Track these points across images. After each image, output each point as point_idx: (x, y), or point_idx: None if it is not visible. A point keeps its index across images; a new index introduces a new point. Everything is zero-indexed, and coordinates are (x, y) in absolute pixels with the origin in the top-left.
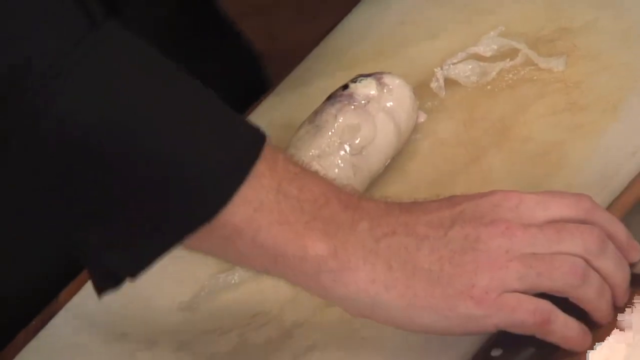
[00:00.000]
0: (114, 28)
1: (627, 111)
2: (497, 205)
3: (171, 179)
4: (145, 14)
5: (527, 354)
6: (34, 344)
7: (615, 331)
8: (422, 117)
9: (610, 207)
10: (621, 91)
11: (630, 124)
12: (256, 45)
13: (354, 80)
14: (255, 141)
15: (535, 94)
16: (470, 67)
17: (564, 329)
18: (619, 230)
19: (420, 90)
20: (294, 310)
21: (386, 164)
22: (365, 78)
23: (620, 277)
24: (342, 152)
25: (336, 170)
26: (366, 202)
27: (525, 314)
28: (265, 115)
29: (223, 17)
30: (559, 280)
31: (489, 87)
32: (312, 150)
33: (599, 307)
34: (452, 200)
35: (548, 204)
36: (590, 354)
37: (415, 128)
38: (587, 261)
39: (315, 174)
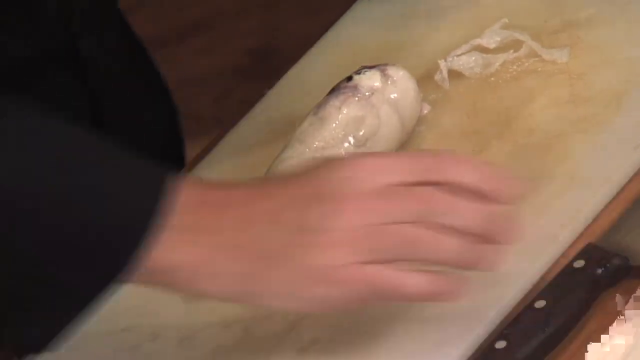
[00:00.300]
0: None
1: (631, 104)
2: (349, 178)
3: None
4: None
5: (531, 346)
6: None
7: (615, 327)
8: (426, 109)
9: (613, 200)
10: (625, 84)
11: (633, 117)
12: (259, 39)
13: (357, 72)
14: (149, 214)
15: (539, 85)
16: (473, 58)
17: (420, 285)
18: (473, 177)
19: (424, 82)
20: None
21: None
22: (369, 70)
23: (478, 225)
24: (346, 144)
25: None
26: (234, 190)
27: (380, 284)
28: (268, 109)
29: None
30: (394, 249)
31: (492, 78)
32: (317, 143)
33: (453, 261)
34: (306, 178)
35: (390, 168)
36: (589, 349)
37: (419, 120)
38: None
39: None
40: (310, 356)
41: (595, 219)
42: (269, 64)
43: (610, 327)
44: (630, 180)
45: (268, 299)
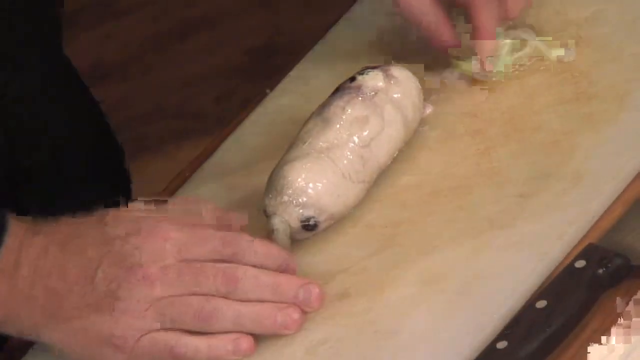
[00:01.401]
0: None
1: (635, 102)
2: (138, 248)
3: None
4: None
5: (532, 346)
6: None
7: (616, 328)
8: (429, 109)
9: (614, 201)
10: (629, 82)
11: (638, 114)
12: (261, 38)
13: (361, 73)
14: None
15: (543, 84)
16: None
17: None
18: (257, 259)
19: (426, 82)
20: None
21: (394, 155)
22: (372, 70)
23: (278, 297)
24: (350, 144)
25: (345, 162)
26: (31, 240)
27: (163, 354)
28: (271, 109)
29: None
30: (190, 322)
31: (495, 78)
32: (321, 143)
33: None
34: (104, 235)
35: (187, 245)
36: (590, 350)
37: (423, 120)
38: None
39: None
40: (318, 356)
41: (597, 219)
42: (270, 63)
43: (611, 328)
44: (632, 181)
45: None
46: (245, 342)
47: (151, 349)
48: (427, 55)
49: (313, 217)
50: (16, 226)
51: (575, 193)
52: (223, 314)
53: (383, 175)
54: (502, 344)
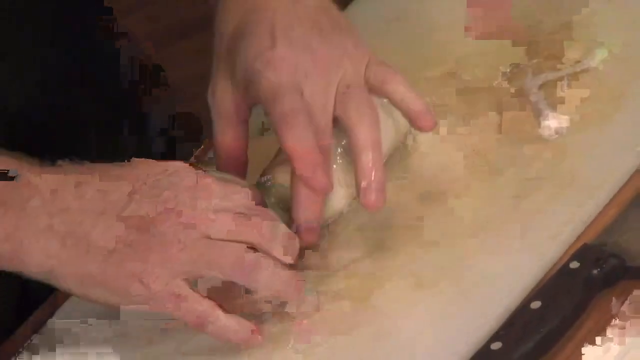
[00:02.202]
0: None
1: (629, 104)
2: (175, 184)
3: None
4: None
5: (526, 348)
6: (36, 338)
7: (611, 328)
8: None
9: (609, 201)
10: (623, 85)
11: (632, 117)
12: None
13: None
14: None
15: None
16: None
17: (222, 330)
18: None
19: (418, 85)
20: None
21: (385, 159)
22: None
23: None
24: (339, 149)
25: (334, 166)
26: (39, 176)
27: (184, 313)
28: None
29: None
30: (227, 268)
31: (488, 80)
32: None
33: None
34: (133, 169)
35: (227, 192)
36: (585, 351)
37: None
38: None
39: None
40: (310, 358)
41: (591, 220)
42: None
43: (606, 329)
44: (626, 182)
45: (70, 284)
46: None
47: (177, 305)
48: (419, 59)
49: None
50: (12, 161)
51: (569, 194)
52: (261, 268)
53: None
54: (496, 345)
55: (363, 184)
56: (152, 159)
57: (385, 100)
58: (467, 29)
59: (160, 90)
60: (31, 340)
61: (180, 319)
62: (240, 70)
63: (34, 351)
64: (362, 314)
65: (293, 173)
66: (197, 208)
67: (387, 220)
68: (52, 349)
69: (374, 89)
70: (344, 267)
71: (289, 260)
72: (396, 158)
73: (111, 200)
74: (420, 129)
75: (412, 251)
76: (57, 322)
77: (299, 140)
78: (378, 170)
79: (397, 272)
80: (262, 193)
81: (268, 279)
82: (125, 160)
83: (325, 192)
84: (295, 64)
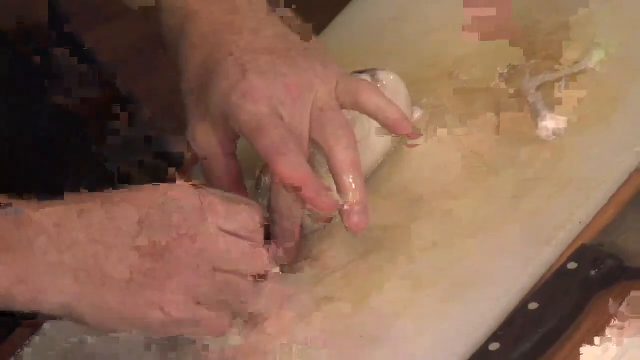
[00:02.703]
0: None
1: (625, 106)
2: (182, 207)
3: None
4: None
5: (524, 348)
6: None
7: (609, 329)
8: (418, 113)
9: (607, 202)
10: (620, 85)
11: (628, 118)
12: None
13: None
14: None
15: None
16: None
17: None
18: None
19: (415, 86)
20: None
21: (382, 159)
22: (359, 74)
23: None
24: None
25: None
26: (39, 212)
27: (202, 334)
28: None
29: None
30: (237, 300)
31: (485, 81)
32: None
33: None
34: (136, 194)
35: (232, 211)
36: (583, 351)
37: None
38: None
39: None
40: (304, 358)
41: (589, 221)
42: None
43: (604, 329)
44: (624, 182)
45: (88, 319)
46: None
47: (199, 322)
48: (416, 60)
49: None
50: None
51: (567, 195)
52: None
53: (370, 180)
54: (494, 346)
55: (345, 207)
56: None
57: None
58: (465, 29)
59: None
60: (30, 341)
61: (199, 335)
62: (216, 108)
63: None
64: (360, 315)
65: (276, 194)
66: (208, 231)
67: (385, 221)
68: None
69: (347, 104)
70: (341, 268)
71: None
72: (394, 158)
73: (121, 230)
74: (399, 134)
75: (410, 252)
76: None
77: (296, 169)
78: (358, 191)
79: (395, 273)
80: (257, 195)
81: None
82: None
83: (332, 211)
84: (270, 93)
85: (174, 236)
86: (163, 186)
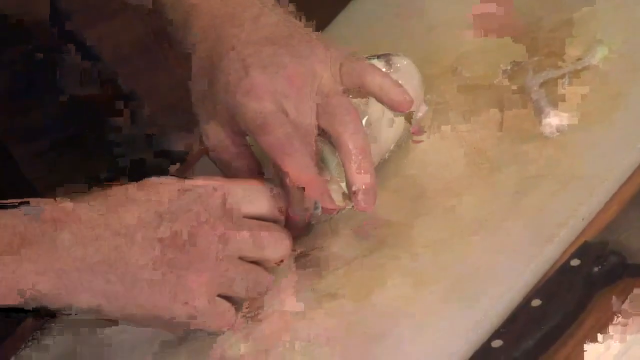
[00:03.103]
0: None
1: (628, 103)
2: (201, 196)
3: None
4: None
5: (527, 345)
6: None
7: (612, 326)
8: (422, 111)
9: (610, 199)
10: (622, 83)
11: (630, 115)
12: None
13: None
14: None
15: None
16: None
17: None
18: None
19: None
20: (299, 302)
21: (396, 140)
22: (373, 58)
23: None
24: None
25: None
26: (60, 210)
27: (220, 321)
28: None
29: None
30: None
31: (488, 77)
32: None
33: None
34: (156, 189)
35: (252, 197)
36: (586, 348)
37: (416, 121)
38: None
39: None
40: (308, 356)
41: (592, 218)
42: None
43: (606, 326)
44: (627, 179)
45: (145, 322)
46: None
47: (223, 315)
48: (419, 56)
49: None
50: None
51: (570, 192)
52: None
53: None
54: (497, 343)
55: (354, 188)
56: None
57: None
58: (470, 25)
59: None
60: (33, 337)
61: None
62: (222, 105)
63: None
64: (363, 312)
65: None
66: (230, 218)
67: (388, 218)
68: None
69: (352, 86)
70: (344, 265)
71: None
72: (397, 155)
73: (142, 221)
74: (400, 111)
75: (413, 249)
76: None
77: (301, 169)
78: (367, 173)
79: (398, 270)
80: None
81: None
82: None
83: (333, 213)
84: (273, 88)
85: (195, 225)
86: (179, 179)
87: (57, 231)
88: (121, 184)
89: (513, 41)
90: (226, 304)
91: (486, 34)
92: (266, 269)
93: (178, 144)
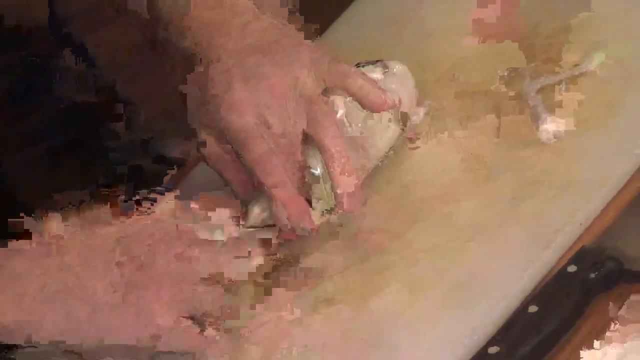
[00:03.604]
0: None
1: (624, 108)
2: (158, 224)
3: None
4: None
5: (524, 351)
6: None
7: (608, 333)
8: (421, 113)
9: (607, 205)
10: (618, 88)
11: (627, 120)
12: None
13: (358, 65)
14: None
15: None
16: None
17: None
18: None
19: (416, 89)
20: (296, 307)
21: (391, 145)
22: (368, 64)
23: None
24: (349, 133)
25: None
26: (22, 242)
27: (191, 341)
28: None
29: None
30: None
31: (486, 83)
32: None
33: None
34: (115, 217)
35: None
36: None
37: (412, 126)
38: None
39: None
40: None
41: (589, 224)
42: None
43: (603, 332)
44: (624, 185)
45: (83, 346)
46: None
47: (185, 337)
48: (416, 61)
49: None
50: None
51: (567, 198)
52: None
53: (370, 182)
54: (494, 349)
55: (338, 190)
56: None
57: (392, 86)
58: (468, 32)
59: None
60: None
61: (191, 348)
62: (211, 119)
63: None
64: (359, 318)
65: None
66: (187, 240)
67: (384, 224)
68: None
69: (334, 87)
70: (341, 271)
71: None
72: (393, 161)
73: (100, 248)
74: (375, 112)
75: (410, 255)
76: None
77: (279, 187)
78: (351, 175)
79: (395, 276)
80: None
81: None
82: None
83: (310, 233)
84: (255, 101)
85: (151, 245)
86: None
87: (18, 264)
88: (117, 192)
89: (510, 47)
90: (189, 323)
91: (484, 40)
92: (229, 287)
93: (175, 150)
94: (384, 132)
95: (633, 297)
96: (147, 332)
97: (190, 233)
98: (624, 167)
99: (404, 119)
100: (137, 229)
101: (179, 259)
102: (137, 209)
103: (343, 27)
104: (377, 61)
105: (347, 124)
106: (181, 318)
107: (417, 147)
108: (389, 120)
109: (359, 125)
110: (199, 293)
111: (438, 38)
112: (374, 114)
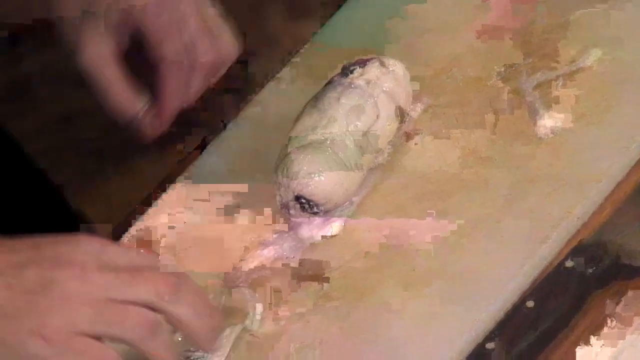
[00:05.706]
0: None
1: (621, 104)
2: (77, 247)
3: None
4: None
5: (521, 347)
6: None
7: (605, 328)
8: (419, 109)
9: (604, 200)
10: (614, 84)
11: (623, 116)
12: (248, 42)
13: (354, 64)
14: None
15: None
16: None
17: None
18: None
19: (412, 85)
20: (294, 304)
21: (389, 141)
22: (366, 61)
23: (198, 324)
24: (348, 134)
25: (346, 151)
26: None
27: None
28: (257, 113)
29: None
30: (129, 331)
31: (483, 79)
32: (319, 134)
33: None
34: (34, 241)
35: (128, 254)
36: (579, 350)
37: (408, 123)
38: (159, 307)
39: None
40: (303, 359)
41: (586, 219)
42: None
43: (601, 328)
44: (621, 180)
45: None
46: None
47: (82, 353)
48: (410, 58)
49: (321, 205)
50: None
51: (564, 193)
52: (162, 327)
53: (367, 179)
54: (491, 345)
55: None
56: None
57: (388, 85)
58: (465, 27)
59: None
60: None
61: None
62: (113, 10)
63: None
64: (357, 314)
65: None
66: (97, 262)
67: (381, 220)
68: None
69: None
70: (338, 268)
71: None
72: (391, 157)
73: (11, 264)
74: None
75: (407, 251)
76: None
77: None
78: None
79: (391, 272)
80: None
81: (168, 341)
82: None
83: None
84: None
85: (61, 268)
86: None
87: None
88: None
89: (507, 44)
90: (89, 342)
91: (480, 36)
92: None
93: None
94: (381, 128)
95: (630, 293)
96: (38, 346)
97: (94, 255)
98: (622, 162)
99: (401, 115)
100: (49, 245)
101: (82, 280)
102: None
103: (338, 24)
104: (372, 58)
105: (345, 121)
106: (80, 337)
107: (415, 143)
108: (387, 117)
109: (357, 122)
110: (111, 315)
111: (435, 34)
112: (371, 111)
